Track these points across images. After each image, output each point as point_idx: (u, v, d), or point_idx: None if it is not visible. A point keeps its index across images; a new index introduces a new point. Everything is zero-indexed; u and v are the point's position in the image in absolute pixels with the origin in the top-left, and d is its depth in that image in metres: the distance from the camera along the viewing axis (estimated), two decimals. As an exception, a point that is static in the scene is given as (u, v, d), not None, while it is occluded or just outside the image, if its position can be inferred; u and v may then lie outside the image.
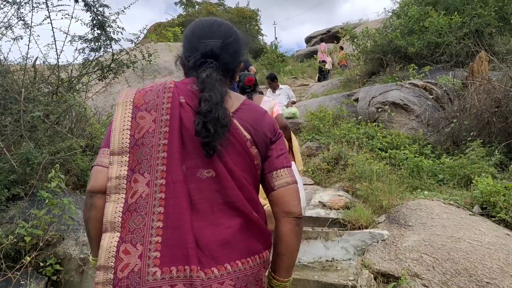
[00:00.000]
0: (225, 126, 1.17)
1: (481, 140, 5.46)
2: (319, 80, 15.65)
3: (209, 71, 1.25)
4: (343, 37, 11.95)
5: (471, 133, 5.65)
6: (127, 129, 1.20)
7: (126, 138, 1.19)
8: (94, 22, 4.38)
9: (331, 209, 4.79)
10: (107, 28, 4.46)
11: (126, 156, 1.18)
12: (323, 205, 4.87)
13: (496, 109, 5.36)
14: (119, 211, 1.14)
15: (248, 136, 1.24)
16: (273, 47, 26.83)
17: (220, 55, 1.31)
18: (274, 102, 3.81)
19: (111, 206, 1.14)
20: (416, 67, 8.70)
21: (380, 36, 10.44)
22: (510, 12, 9.41)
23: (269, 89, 9.00)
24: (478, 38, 9.14)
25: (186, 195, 1.14)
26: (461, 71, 8.49)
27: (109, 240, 1.12)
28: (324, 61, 15.44)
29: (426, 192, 4.73)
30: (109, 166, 1.18)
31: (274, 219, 1.30)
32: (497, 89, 5.42)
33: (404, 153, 5.74)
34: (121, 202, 1.15)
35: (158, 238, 1.10)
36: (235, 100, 1.31)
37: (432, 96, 7.02)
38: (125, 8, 4.61)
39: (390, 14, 11.91)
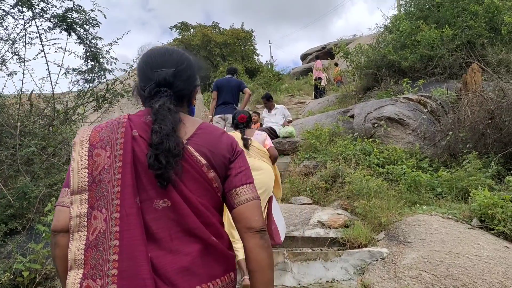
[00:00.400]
0: (177, 155, 1.20)
1: (478, 152, 5.47)
2: (316, 97, 15.76)
3: (163, 101, 1.28)
4: (336, 54, 12.08)
5: (467, 145, 5.67)
6: (85, 167, 1.23)
7: (84, 176, 1.22)
8: (88, 54, 4.46)
9: (330, 228, 4.78)
10: (101, 60, 4.54)
11: (85, 194, 1.21)
12: (322, 224, 4.86)
13: (489, 121, 5.39)
14: (81, 249, 1.17)
15: (204, 161, 1.26)
16: (269, 66, 27.08)
17: (173, 82, 1.34)
18: (265, 136, 4.17)
19: (74, 244, 1.18)
20: (410, 81, 8.76)
21: (373, 51, 10.56)
22: (501, 22, 9.51)
23: (265, 108, 9.07)
24: (470, 49, 9.23)
25: (140, 227, 1.16)
26: (455, 83, 8.56)
27: (73, 278, 1.16)
28: (319, 78, 15.57)
29: (424, 206, 4.73)
30: (70, 205, 1.21)
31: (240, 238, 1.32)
32: (489, 101, 5.46)
33: (402, 168, 5.75)
34: (83, 240, 1.18)
35: (114, 271, 1.12)
36: (190, 126, 1.34)
37: (426, 110, 7.06)
38: (117, 39, 4.69)
39: (382, 29, 12.05)
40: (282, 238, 3.92)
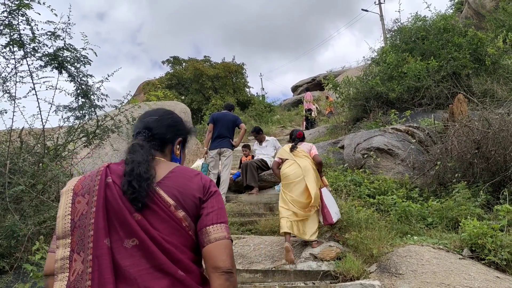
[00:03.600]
0: (148, 179, 1.34)
1: (466, 181, 5.54)
2: (307, 128, 15.89)
3: (138, 139, 1.48)
4: (326, 86, 12.29)
5: (456, 175, 5.74)
6: (68, 214, 1.36)
7: (68, 222, 1.34)
8: (78, 91, 4.52)
9: (322, 260, 4.75)
10: (91, 96, 4.59)
11: (68, 239, 1.33)
12: (314, 257, 4.83)
13: (476, 151, 5.48)
14: None
15: (172, 202, 1.35)
16: (261, 98, 27.39)
17: (153, 127, 1.54)
18: (312, 146, 5.56)
19: (58, 285, 1.29)
20: (397, 112, 8.91)
21: (361, 83, 10.76)
22: (484, 53, 9.79)
23: (256, 141, 9.15)
24: (456, 80, 9.46)
25: (109, 266, 1.26)
26: (442, 113, 8.72)
27: None
28: (310, 110, 15.76)
29: (415, 237, 4.73)
30: (56, 249, 1.33)
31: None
32: (475, 131, 5.56)
33: (392, 198, 5.77)
34: (65, 280, 1.29)
35: None
36: (164, 169, 1.46)
37: (414, 140, 7.16)
38: (108, 76, 4.76)
39: (370, 62, 12.32)
40: (334, 220, 5.06)
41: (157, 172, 1.42)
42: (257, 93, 31.24)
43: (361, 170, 7.01)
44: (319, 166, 5.30)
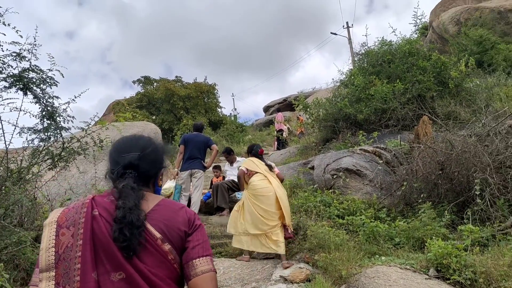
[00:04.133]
0: (139, 227, 1.34)
1: (432, 201, 5.67)
2: (278, 148, 16.01)
3: (127, 181, 1.44)
4: (296, 107, 12.46)
5: (422, 195, 5.86)
6: (52, 247, 1.34)
7: (51, 255, 1.32)
8: (44, 113, 4.42)
9: (292, 283, 4.75)
10: (57, 118, 4.50)
11: (52, 272, 1.31)
12: (284, 279, 4.82)
13: (440, 172, 5.63)
14: None
15: (159, 235, 1.38)
16: (232, 118, 27.48)
17: (138, 165, 1.50)
18: (274, 164, 6.17)
19: None
20: (365, 133, 9.11)
21: (330, 105, 10.97)
22: (448, 76, 10.18)
23: (227, 162, 9.14)
24: (421, 102, 9.76)
25: None
26: (408, 134, 8.96)
27: None
28: (281, 130, 15.92)
29: (383, 257, 4.79)
30: (39, 283, 1.31)
31: None
32: (439, 153, 5.73)
33: (361, 218, 5.84)
34: None
35: None
36: (151, 202, 1.47)
37: (382, 161, 7.31)
38: (75, 97, 4.69)
39: (338, 83, 12.59)
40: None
41: (144, 205, 1.43)
42: (230, 113, 31.33)
43: (330, 190, 7.08)
44: (282, 182, 5.98)
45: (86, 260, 1.29)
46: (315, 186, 7.46)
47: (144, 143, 1.58)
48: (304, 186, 7.75)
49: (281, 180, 5.97)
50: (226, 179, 8.69)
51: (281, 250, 5.26)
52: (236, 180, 8.33)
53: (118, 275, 1.31)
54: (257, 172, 5.72)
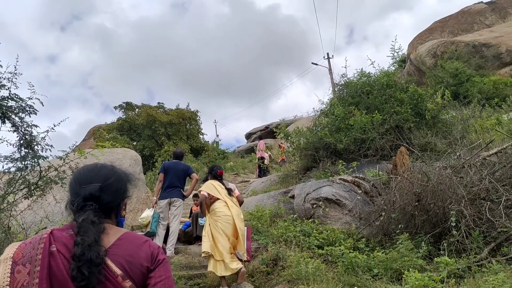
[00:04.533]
0: (98, 264, 1.26)
1: (409, 232, 5.74)
2: (259, 176, 16.04)
3: (87, 214, 1.36)
4: (278, 135, 12.58)
5: (399, 226, 5.93)
6: (7, 285, 1.25)
7: None
8: (21, 142, 4.38)
9: (271, 315, 4.69)
10: (35, 147, 4.46)
11: None
12: (263, 312, 4.76)
13: (417, 203, 5.73)
14: None
15: (119, 272, 1.31)
16: (215, 145, 27.50)
17: (100, 196, 1.43)
18: (235, 186, 6.28)
19: None
20: (345, 163, 9.23)
21: (311, 134, 11.11)
22: (424, 108, 10.45)
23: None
24: (398, 133, 9.97)
25: None
26: (386, 164, 9.10)
27: None
28: (262, 158, 15.99)
29: (361, 289, 4.80)
30: None
31: None
32: (415, 185, 5.84)
33: (340, 249, 5.86)
34: None
35: None
36: (112, 236, 1.40)
37: (361, 191, 7.40)
38: (54, 126, 4.67)
39: (319, 113, 12.80)
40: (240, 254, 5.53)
41: (104, 239, 1.36)
42: (214, 139, 31.33)
43: (310, 220, 7.10)
44: (241, 204, 6.15)
45: None
46: (295, 215, 7.47)
47: (106, 172, 1.51)
48: (284, 215, 7.76)
49: (240, 203, 6.08)
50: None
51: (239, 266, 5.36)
52: None
53: None
54: (218, 198, 5.76)
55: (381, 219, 6.27)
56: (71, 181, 1.51)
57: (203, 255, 5.59)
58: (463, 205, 5.31)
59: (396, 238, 5.71)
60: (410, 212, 5.86)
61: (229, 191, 5.94)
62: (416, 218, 5.78)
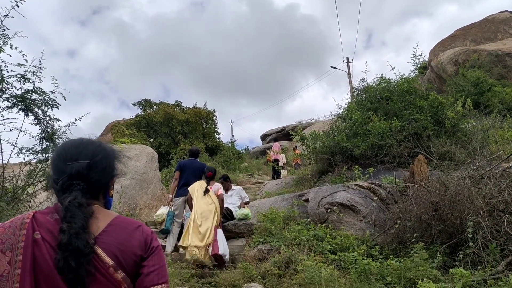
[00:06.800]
0: (87, 255, 1.16)
1: (424, 242, 5.66)
2: (274, 178, 16.04)
3: (74, 195, 1.23)
4: (294, 138, 12.55)
5: (415, 234, 5.86)
6: None
7: None
8: (43, 134, 4.47)
9: (281, 318, 4.68)
10: (56, 140, 4.55)
11: None
12: (273, 314, 4.76)
13: (434, 213, 5.65)
14: None
15: (111, 262, 1.21)
16: (230, 145, 27.58)
17: (87, 175, 1.30)
18: (220, 186, 7.12)
19: None
20: (361, 168, 9.15)
21: (327, 138, 11.06)
22: (444, 116, 10.31)
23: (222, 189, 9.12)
24: (417, 140, 9.85)
25: None
26: (403, 171, 9.01)
27: None
28: (277, 160, 15.98)
29: (374, 297, 4.76)
30: None
31: None
32: (433, 194, 5.77)
33: (353, 255, 5.82)
34: None
35: None
36: (102, 221, 1.29)
37: (376, 197, 7.33)
38: (76, 120, 4.75)
39: (336, 117, 12.74)
40: (221, 252, 6.42)
41: (93, 224, 1.24)
42: (230, 139, 31.38)
43: (324, 224, 7.07)
44: (222, 203, 6.93)
45: None
46: (308, 219, 7.45)
47: (93, 149, 1.36)
48: (297, 219, 7.73)
49: (221, 202, 6.94)
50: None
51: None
52: (230, 208, 8.32)
53: None
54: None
55: (396, 227, 6.20)
56: (54, 157, 1.37)
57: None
58: (481, 216, 5.22)
59: (411, 247, 5.64)
60: (426, 221, 5.78)
61: (206, 192, 6.72)
62: (432, 228, 5.70)
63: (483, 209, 5.28)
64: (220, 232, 6.66)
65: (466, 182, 5.84)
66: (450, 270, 4.85)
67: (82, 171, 1.29)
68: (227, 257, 6.66)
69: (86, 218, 1.21)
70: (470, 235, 5.11)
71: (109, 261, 1.20)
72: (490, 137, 10.01)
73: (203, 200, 6.64)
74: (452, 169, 7.50)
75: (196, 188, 6.76)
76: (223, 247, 6.53)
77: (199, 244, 6.29)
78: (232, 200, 8.66)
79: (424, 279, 4.67)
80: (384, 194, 7.51)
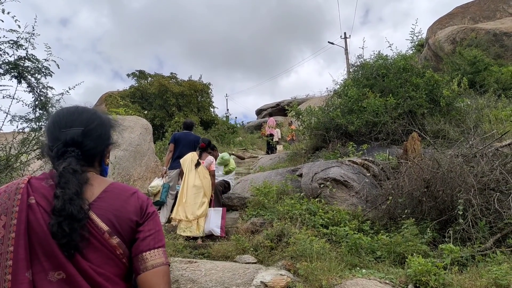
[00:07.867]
0: (81, 220, 1.16)
1: (415, 218, 5.74)
2: (268, 153, 16.08)
3: (68, 162, 1.24)
4: (289, 113, 12.53)
5: (406, 211, 5.94)
6: None
7: None
8: (37, 102, 4.42)
9: (272, 289, 4.76)
10: (50, 109, 4.50)
11: None
12: (265, 285, 4.84)
13: (425, 189, 5.72)
14: None
15: (106, 228, 1.22)
16: (224, 119, 27.51)
17: (82, 142, 1.31)
18: (213, 160, 6.84)
19: None
20: (355, 145, 9.19)
21: (322, 114, 11.05)
22: (439, 95, 10.30)
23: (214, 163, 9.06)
24: (411, 118, 9.86)
25: None
26: (397, 149, 9.05)
27: None
28: (271, 135, 15.98)
29: (364, 270, 4.84)
30: None
31: None
32: (425, 171, 5.82)
33: (344, 230, 5.90)
34: None
35: None
36: (97, 187, 1.30)
37: (369, 174, 7.39)
38: (69, 89, 4.69)
39: (332, 93, 12.69)
40: (208, 232, 6.50)
41: (88, 191, 1.25)
42: (225, 113, 31.25)
43: (317, 199, 7.13)
44: (213, 178, 6.84)
45: (19, 257, 1.13)
46: (301, 194, 7.50)
47: (88, 116, 1.37)
48: (291, 193, 7.79)
49: (212, 176, 6.85)
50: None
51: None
52: (225, 180, 8.17)
53: (57, 275, 1.16)
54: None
55: (387, 203, 6.27)
56: (49, 123, 1.38)
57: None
58: (471, 194, 5.29)
59: (402, 223, 5.72)
60: (418, 198, 5.85)
61: (197, 165, 6.64)
62: (423, 204, 5.78)
63: (475, 187, 5.34)
64: (210, 210, 6.67)
65: (459, 160, 5.89)
66: (440, 245, 4.94)
67: (77, 138, 1.30)
68: (217, 231, 6.59)
69: (81, 184, 1.22)
70: (461, 212, 5.19)
71: (104, 226, 1.22)
72: (484, 117, 10.04)
73: (194, 173, 6.60)
74: (445, 147, 7.55)
75: (188, 161, 6.73)
76: (211, 226, 6.53)
77: (188, 218, 6.37)
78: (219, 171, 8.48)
79: (414, 254, 4.76)
80: (377, 170, 7.57)
